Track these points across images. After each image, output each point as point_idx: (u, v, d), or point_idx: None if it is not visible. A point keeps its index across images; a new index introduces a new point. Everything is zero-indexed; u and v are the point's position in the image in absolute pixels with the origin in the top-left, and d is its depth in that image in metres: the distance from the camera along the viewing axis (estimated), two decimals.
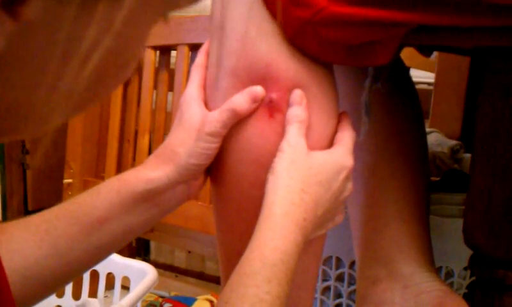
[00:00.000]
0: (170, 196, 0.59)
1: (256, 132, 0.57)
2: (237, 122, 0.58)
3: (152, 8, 0.31)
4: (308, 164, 0.54)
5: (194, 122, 0.58)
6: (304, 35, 0.54)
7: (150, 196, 0.58)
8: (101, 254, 0.58)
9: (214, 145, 0.58)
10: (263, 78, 0.56)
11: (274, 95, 0.56)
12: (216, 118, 0.57)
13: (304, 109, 0.56)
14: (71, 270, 0.57)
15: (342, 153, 0.57)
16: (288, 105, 0.57)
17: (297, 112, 0.56)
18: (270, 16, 0.56)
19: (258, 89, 0.56)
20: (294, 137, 0.55)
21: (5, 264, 0.51)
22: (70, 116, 0.34)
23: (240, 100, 0.56)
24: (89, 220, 0.56)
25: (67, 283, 0.59)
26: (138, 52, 0.34)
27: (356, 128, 0.73)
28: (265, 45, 0.56)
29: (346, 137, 0.59)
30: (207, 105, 0.61)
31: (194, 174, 0.59)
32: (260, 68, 0.56)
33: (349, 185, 0.59)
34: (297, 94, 0.56)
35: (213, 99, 0.60)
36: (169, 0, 0.33)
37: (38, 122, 0.31)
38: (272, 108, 0.57)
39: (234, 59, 0.57)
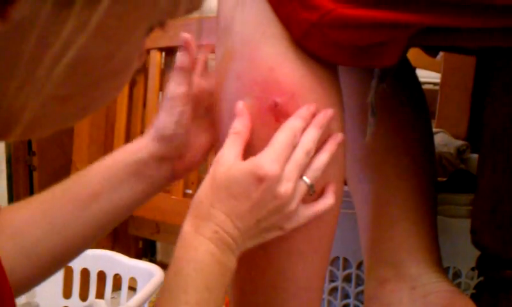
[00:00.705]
0: (155, 171, 0.63)
1: (262, 136, 0.57)
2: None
3: (141, 15, 0.32)
4: (224, 177, 0.53)
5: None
6: (311, 37, 0.54)
7: (137, 169, 0.62)
8: (95, 231, 0.61)
9: (178, 109, 0.61)
10: (267, 82, 0.56)
11: (279, 99, 0.56)
12: (173, 79, 0.62)
13: (243, 120, 0.56)
14: (69, 248, 0.60)
15: (263, 161, 0.53)
16: (294, 109, 0.56)
17: (235, 124, 0.56)
18: (275, 19, 0.56)
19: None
20: (222, 150, 0.55)
21: (9, 246, 0.56)
22: (70, 121, 0.35)
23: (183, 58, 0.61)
24: (82, 196, 0.60)
25: (66, 261, 0.62)
26: (134, 57, 0.35)
27: (363, 128, 0.73)
28: (270, 48, 0.56)
29: (275, 141, 0.55)
30: (213, 108, 0.62)
31: (173, 146, 0.62)
32: (265, 72, 0.56)
33: (283, 192, 0.54)
34: (238, 106, 0.57)
35: (219, 102, 0.60)
36: (161, 8, 0.33)
37: (8, 119, 0.32)
38: (278, 112, 0.56)
39: (239, 62, 0.57)
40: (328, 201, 0.59)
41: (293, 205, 0.56)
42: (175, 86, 0.62)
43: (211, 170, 0.55)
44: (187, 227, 0.53)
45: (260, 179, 0.53)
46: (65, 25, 0.29)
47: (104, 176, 0.61)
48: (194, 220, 0.53)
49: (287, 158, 0.55)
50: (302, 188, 0.56)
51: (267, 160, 0.53)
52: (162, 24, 0.35)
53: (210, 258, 0.52)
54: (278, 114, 0.56)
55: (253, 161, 0.54)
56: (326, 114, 0.57)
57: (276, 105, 0.56)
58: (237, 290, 0.65)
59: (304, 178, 0.57)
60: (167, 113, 0.62)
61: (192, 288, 0.50)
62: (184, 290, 0.50)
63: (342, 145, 0.61)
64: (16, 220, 0.58)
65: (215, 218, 0.53)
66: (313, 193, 0.58)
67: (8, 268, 0.53)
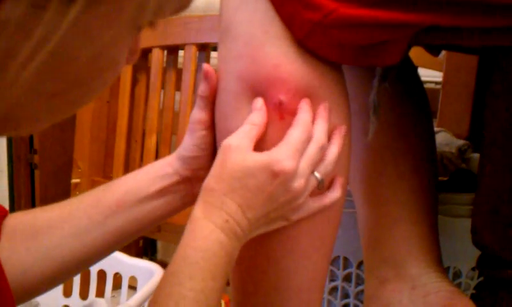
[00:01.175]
0: (178, 190, 0.64)
1: (268, 134, 0.57)
2: None
3: (126, 16, 0.32)
4: (238, 167, 0.54)
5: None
6: (314, 37, 0.54)
7: (162, 184, 0.63)
8: (115, 240, 0.62)
9: (198, 133, 0.63)
10: (271, 81, 0.56)
11: (283, 97, 0.56)
12: (196, 103, 0.63)
13: (261, 114, 0.56)
14: (87, 253, 0.61)
15: (280, 157, 0.54)
16: (298, 106, 0.57)
17: (252, 116, 0.56)
18: (277, 18, 0.56)
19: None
20: (234, 137, 0.55)
21: (28, 245, 0.57)
22: (60, 115, 0.36)
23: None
24: (107, 204, 0.61)
25: (83, 266, 0.63)
26: (122, 56, 0.35)
27: (364, 127, 0.73)
28: (273, 47, 0.56)
29: (291, 137, 0.56)
30: (215, 109, 0.62)
31: (191, 168, 0.64)
32: (269, 71, 0.56)
33: (296, 187, 0.55)
34: (256, 101, 0.57)
35: (222, 103, 0.60)
36: (147, 9, 0.33)
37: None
38: (283, 110, 0.57)
39: (242, 62, 0.57)
40: (335, 194, 0.60)
41: (302, 198, 0.57)
42: (197, 111, 0.63)
43: (221, 155, 0.55)
44: (198, 212, 0.54)
45: (275, 174, 0.54)
46: (39, 25, 0.29)
47: (131, 188, 0.63)
48: (205, 206, 0.54)
49: (302, 154, 0.56)
50: (312, 183, 0.58)
51: (283, 156, 0.54)
52: (151, 24, 0.35)
53: (219, 247, 0.52)
54: (283, 112, 0.57)
55: (269, 155, 0.54)
56: (325, 106, 0.58)
57: (280, 103, 0.56)
58: (238, 290, 0.65)
59: (316, 173, 0.58)
60: (189, 135, 0.64)
61: (198, 276, 0.50)
62: (190, 277, 0.50)
63: (347, 139, 0.62)
64: (40, 220, 0.60)
65: (227, 207, 0.53)
66: (322, 187, 0.59)
67: (22, 268, 0.56)
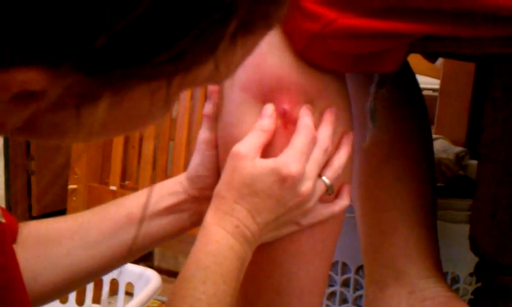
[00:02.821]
0: (184, 209, 0.65)
1: (272, 142, 0.58)
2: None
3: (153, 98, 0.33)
4: (246, 173, 0.55)
5: None
6: (313, 47, 0.54)
7: (172, 202, 0.64)
8: (123, 254, 0.63)
9: (204, 153, 0.64)
10: (275, 91, 0.57)
11: (287, 106, 0.57)
12: (203, 124, 0.64)
13: (271, 121, 0.57)
14: (96, 264, 0.62)
15: (286, 161, 0.55)
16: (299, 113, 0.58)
17: (261, 122, 0.57)
18: (280, 29, 0.56)
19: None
20: (244, 143, 0.56)
21: (39, 252, 0.59)
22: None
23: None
24: (118, 217, 0.62)
25: (91, 278, 0.65)
26: (157, 118, 0.36)
27: (363, 133, 0.73)
28: (276, 58, 0.57)
29: (296, 141, 0.56)
30: (219, 119, 0.62)
31: (197, 187, 0.64)
32: (272, 81, 0.57)
33: (303, 190, 0.56)
34: (267, 107, 0.57)
35: (226, 112, 0.61)
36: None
37: None
38: (286, 119, 0.58)
39: (245, 73, 0.58)
40: (343, 202, 0.62)
41: (312, 203, 0.58)
42: (203, 130, 0.64)
43: (230, 163, 0.56)
44: (210, 219, 0.55)
45: (283, 178, 0.55)
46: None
47: (142, 203, 0.64)
48: (216, 212, 0.55)
49: (308, 157, 0.57)
50: (321, 187, 0.59)
51: (290, 160, 0.55)
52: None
53: (230, 252, 0.54)
54: (287, 121, 0.58)
55: (276, 160, 0.56)
56: (332, 111, 0.59)
57: (284, 112, 0.57)
58: (240, 293, 0.65)
59: (324, 178, 0.59)
60: (196, 155, 0.65)
61: (210, 280, 0.52)
62: (203, 281, 0.52)
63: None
64: (52, 229, 0.62)
65: (237, 213, 0.55)
66: (332, 193, 0.60)
67: (32, 274, 0.57)
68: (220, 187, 0.56)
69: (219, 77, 0.34)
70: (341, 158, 0.60)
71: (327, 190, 0.59)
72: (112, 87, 0.30)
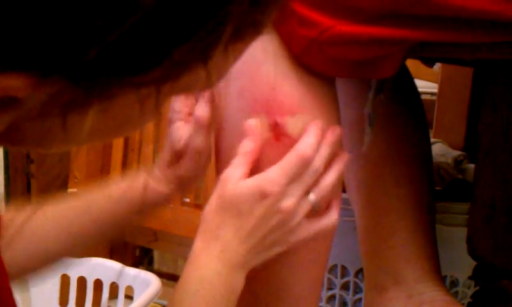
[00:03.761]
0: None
1: (264, 154, 0.57)
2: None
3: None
4: (230, 196, 0.55)
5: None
6: (310, 53, 0.55)
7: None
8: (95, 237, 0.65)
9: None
10: (268, 102, 0.57)
11: (279, 119, 0.57)
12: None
13: (252, 140, 0.57)
14: (96, 228, 0.64)
15: (267, 178, 0.55)
16: (294, 128, 0.57)
17: (244, 143, 0.57)
18: (276, 36, 0.56)
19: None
20: (229, 169, 0.56)
21: (48, 216, 0.61)
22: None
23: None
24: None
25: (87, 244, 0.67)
26: (142, 123, 0.36)
27: (361, 137, 0.73)
28: (271, 66, 0.57)
29: (284, 160, 0.56)
30: (216, 125, 0.62)
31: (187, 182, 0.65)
32: (265, 91, 0.57)
33: (285, 207, 0.55)
34: (250, 124, 0.57)
35: (222, 120, 0.61)
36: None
37: None
38: (278, 131, 0.57)
39: (240, 81, 0.58)
40: (332, 217, 0.59)
41: (296, 220, 0.56)
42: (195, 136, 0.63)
43: (218, 188, 0.56)
44: (198, 243, 0.56)
45: (264, 195, 0.54)
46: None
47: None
48: (203, 237, 0.56)
49: (294, 175, 0.55)
50: (307, 205, 0.57)
51: (271, 177, 0.55)
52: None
53: (216, 278, 0.54)
54: (279, 133, 0.57)
55: (258, 178, 0.55)
56: (335, 131, 0.58)
57: (276, 124, 0.57)
58: (238, 301, 0.65)
59: (311, 195, 0.57)
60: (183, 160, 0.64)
61: (196, 306, 0.53)
62: (190, 306, 0.53)
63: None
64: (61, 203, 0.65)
65: (222, 237, 0.55)
66: (319, 209, 0.58)
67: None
68: (207, 211, 0.56)
69: (209, 83, 0.33)
70: (331, 178, 0.58)
71: (313, 209, 0.58)
72: (101, 96, 0.29)
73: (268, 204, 0.54)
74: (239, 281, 0.55)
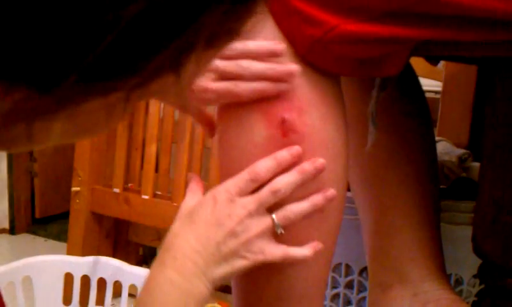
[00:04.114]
0: None
1: (272, 152, 0.58)
2: (251, 143, 0.59)
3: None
4: (189, 206, 0.59)
5: None
6: (315, 52, 0.55)
7: None
8: None
9: None
10: (275, 98, 0.57)
11: (287, 115, 0.57)
12: None
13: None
14: None
15: (220, 187, 0.58)
16: (300, 124, 0.57)
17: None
18: (281, 35, 0.56)
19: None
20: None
21: None
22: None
23: None
24: None
25: None
26: (114, 124, 0.35)
27: (365, 135, 0.73)
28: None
29: (240, 174, 0.58)
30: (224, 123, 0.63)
31: None
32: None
33: (236, 214, 0.57)
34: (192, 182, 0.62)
35: (232, 114, 0.61)
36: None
37: None
38: (286, 128, 0.57)
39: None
40: (303, 252, 0.59)
41: (251, 234, 0.57)
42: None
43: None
44: (155, 261, 0.57)
45: (215, 201, 0.57)
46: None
47: None
48: (160, 253, 0.57)
49: (244, 188, 0.57)
50: (264, 223, 0.58)
51: (223, 185, 0.57)
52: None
53: (168, 284, 0.54)
54: (286, 130, 0.58)
55: (217, 187, 0.58)
56: (314, 163, 0.58)
57: (283, 121, 0.57)
58: (240, 299, 0.65)
59: (273, 215, 0.58)
60: None
61: None
62: None
63: (341, 157, 0.61)
64: None
65: (174, 245, 0.56)
66: (282, 234, 0.58)
67: None
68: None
69: (179, 88, 0.33)
70: (301, 206, 0.58)
71: (273, 229, 0.58)
72: (68, 103, 0.29)
73: (218, 211, 0.56)
74: (199, 289, 0.55)
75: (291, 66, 0.56)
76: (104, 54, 0.27)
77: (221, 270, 0.57)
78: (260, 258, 0.58)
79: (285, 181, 0.57)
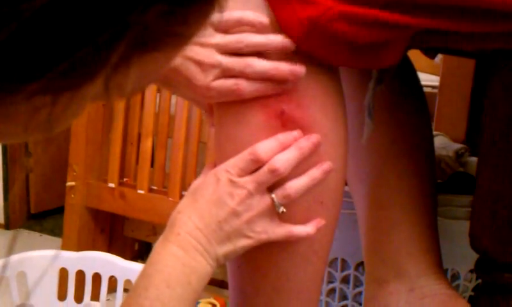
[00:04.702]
0: None
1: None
2: (250, 135, 0.59)
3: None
4: (192, 186, 0.60)
5: None
6: (312, 35, 0.54)
7: None
8: None
9: None
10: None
11: (285, 107, 0.58)
12: None
13: None
14: None
15: (221, 167, 0.59)
16: (300, 115, 0.58)
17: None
18: (273, 24, 0.56)
19: None
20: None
21: None
22: None
23: None
24: None
25: None
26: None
27: (359, 131, 0.73)
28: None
29: (240, 154, 0.59)
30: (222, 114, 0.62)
31: None
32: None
33: (238, 194, 0.58)
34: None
35: (231, 107, 0.61)
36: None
37: None
38: (285, 119, 0.58)
39: None
40: (306, 229, 0.60)
41: (252, 213, 0.58)
42: None
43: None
44: (160, 237, 0.58)
45: (218, 179, 0.58)
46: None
47: None
48: (166, 229, 0.59)
49: (245, 168, 0.58)
50: (265, 202, 0.59)
51: (224, 165, 0.59)
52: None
53: (171, 258, 0.56)
54: (285, 121, 0.58)
55: (219, 166, 0.59)
56: (309, 138, 0.58)
57: (282, 112, 0.58)
58: (237, 292, 0.65)
59: (273, 195, 0.59)
60: None
61: (152, 286, 0.55)
62: (145, 288, 0.55)
63: (341, 147, 0.61)
64: None
65: (178, 221, 0.58)
66: (283, 212, 0.59)
67: None
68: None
69: (111, 95, 0.30)
70: (299, 182, 0.59)
71: (273, 208, 0.59)
72: None
73: (220, 190, 0.58)
74: (199, 262, 0.57)
75: (296, 67, 0.56)
76: (3, 49, 0.24)
77: (225, 249, 0.58)
78: (263, 237, 0.59)
79: (283, 160, 0.58)
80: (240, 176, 0.58)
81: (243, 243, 0.59)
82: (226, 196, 0.58)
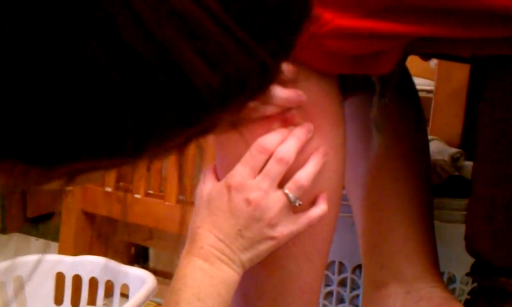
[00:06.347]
0: None
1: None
2: (253, 138, 0.59)
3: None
4: (205, 198, 0.60)
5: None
6: (308, 48, 0.54)
7: None
8: None
9: None
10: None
11: (287, 113, 0.58)
12: None
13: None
14: None
15: (232, 173, 0.59)
16: (301, 118, 0.58)
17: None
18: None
19: None
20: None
21: None
22: None
23: None
24: None
25: None
26: None
27: (359, 134, 0.73)
28: None
29: (248, 152, 0.59)
30: None
31: None
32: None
33: (253, 198, 0.58)
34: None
35: None
36: None
37: None
38: (286, 121, 0.58)
39: None
40: (320, 208, 0.60)
41: (271, 214, 0.58)
42: None
43: (198, 190, 0.62)
44: (183, 251, 0.59)
45: (229, 188, 0.58)
46: None
47: None
48: (187, 243, 0.60)
49: (255, 166, 0.58)
50: (281, 199, 0.59)
51: (234, 170, 0.58)
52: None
53: (198, 272, 0.57)
54: (286, 123, 0.59)
55: (227, 175, 0.59)
56: (304, 127, 0.59)
57: (284, 119, 0.58)
58: (240, 295, 0.65)
59: (286, 190, 0.59)
60: None
61: (183, 301, 0.56)
62: (176, 302, 0.56)
63: (341, 150, 0.62)
64: None
65: (199, 236, 0.59)
66: (300, 205, 0.59)
67: None
68: (193, 212, 0.61)
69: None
70: (306, 170, 0.59)
71: (290, 202, 0.59)
72: None
73: (234, 198, 0.58)
74: (226, 271, 0.58)
75: (300, 94, 0.57)
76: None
77: (249, 255, 0.59)
78: (286, 232, 0.59)
79: (286, 148, 0.58)
80: (252, 176, 0.58)
81: (267, 245, 0.59)
82: (241, 203, 0.58)
